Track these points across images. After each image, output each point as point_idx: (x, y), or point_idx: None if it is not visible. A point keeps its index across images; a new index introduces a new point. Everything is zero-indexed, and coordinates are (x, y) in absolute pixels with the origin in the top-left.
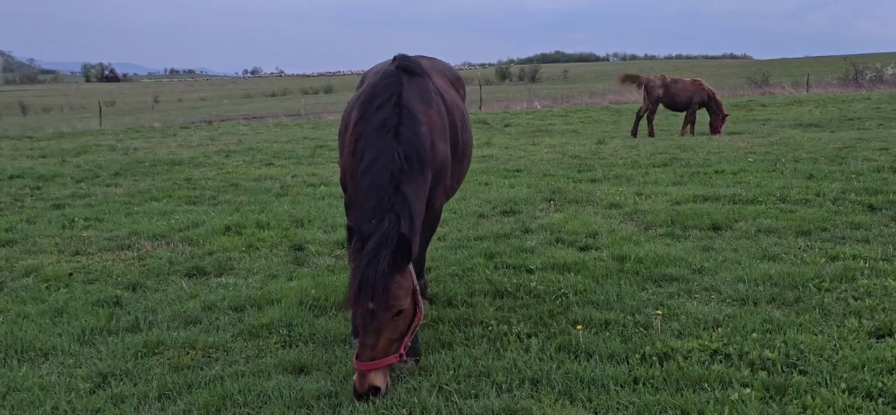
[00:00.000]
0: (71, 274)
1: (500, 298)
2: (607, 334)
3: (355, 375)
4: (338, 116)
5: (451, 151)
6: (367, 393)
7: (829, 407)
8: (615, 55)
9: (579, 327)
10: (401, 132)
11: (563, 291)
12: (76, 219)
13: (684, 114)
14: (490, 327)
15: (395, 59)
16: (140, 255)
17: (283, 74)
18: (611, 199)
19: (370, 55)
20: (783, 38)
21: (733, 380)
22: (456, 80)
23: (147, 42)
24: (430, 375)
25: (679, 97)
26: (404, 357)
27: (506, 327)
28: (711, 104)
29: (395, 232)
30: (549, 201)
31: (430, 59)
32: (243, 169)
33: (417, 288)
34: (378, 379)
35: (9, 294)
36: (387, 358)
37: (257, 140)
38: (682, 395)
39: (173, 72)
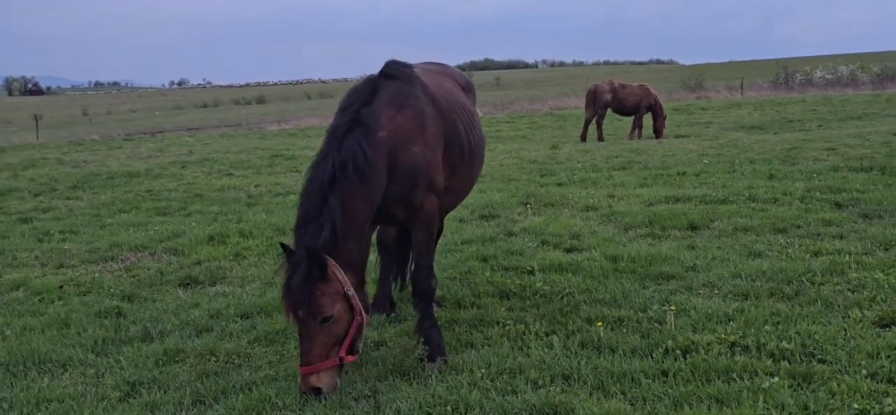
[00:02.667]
0: (61, 286)
1: (507, 298)
2: (624, 330)
3: (299, 378)
4: (282, 126)
5: (454, 154)
6: (310, 394)
7: (855, 392)
8: (544, 62)
9: (599, 323)
10: (345, 141)
11: (567, 290)
12: (51, 232)
13: (632, 118)
14: (507, 327)
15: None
16: (127, 266)
17: (210, 85)
18: (585, 201)
19: (297, 66)
20: (706, 44)
21: (758, 370)
22: (466, 86)
23: (69, 54)
24: (463, 373)
25: (627, 102)
26: (343, 360)
27: (522, 326)
28: (656, 108)
29: (316, 243)
30: (526, 205)
31: (440, 64)
32: (203, 179)
33: (350, 294)
34: (319, 381)
35: (3, 308)
36: (325, 362)
37: (208, 151)
38: (712, 385)
39: (98, 84)
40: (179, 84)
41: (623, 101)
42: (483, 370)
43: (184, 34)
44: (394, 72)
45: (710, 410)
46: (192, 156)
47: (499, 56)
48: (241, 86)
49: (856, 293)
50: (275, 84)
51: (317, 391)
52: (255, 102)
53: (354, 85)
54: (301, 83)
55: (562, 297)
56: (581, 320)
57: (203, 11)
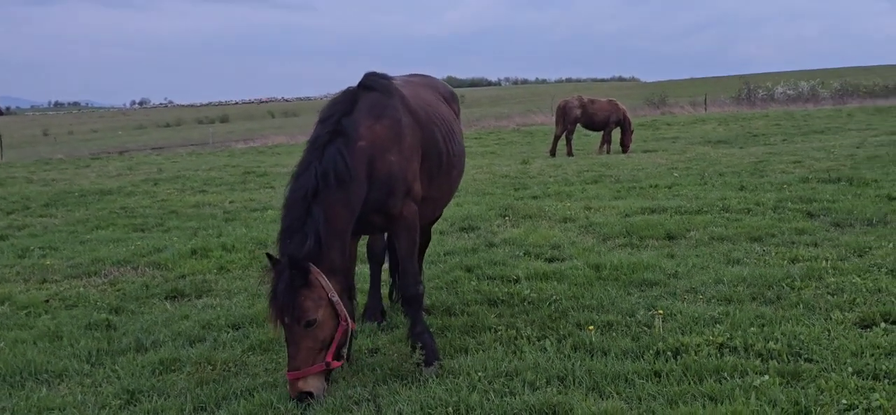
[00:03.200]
0: (47, 300)
1: (495, 306)
2: (614, 333)
3: (288, 384)
4: (249, 144)
5: (432, 163)
6: (300, 399)
7: (843, 388)
8: (507, 79)
9: (591, 327)
10: (326, 150)
11: (554, 297)
12: (31, 248)
13: (601, 133)
14: (499, 332)
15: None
16: (110, 281)
17: (171, 104)
18: (562, 213)
19: (259, 84)
20: (667, 61)
21: (748, 369)
22: (449, 96)
23: (28, 75)
24: (460, 376)
25: (597, 117)
26: (330, 365)
27: (514, 331)
28: (625, 123)
29: (300, 251)
30: (504, 217)
31: (424, 76)
32: (177, 196)
33: (335, 300)
34: (307, 385)
35: None
36: (312, 367)
37: (177, 169)
38: (704, 384)
39: (58, 104)
40: (141, 104)
41: (592, 116)
42: (480, 373)
43: (144, 54)
44: (372, 83)
45: (704, 407)
46: (162, 174)
47: (462, 74)
48: (204, 105)
49: (835, 296)
50: (237, 103)
51: (307, 395)
52: (219, 121)
53: (334, 97)
54: (264, 102)
55: (549, 303)
56: (571, 325)
57: (164, 31)
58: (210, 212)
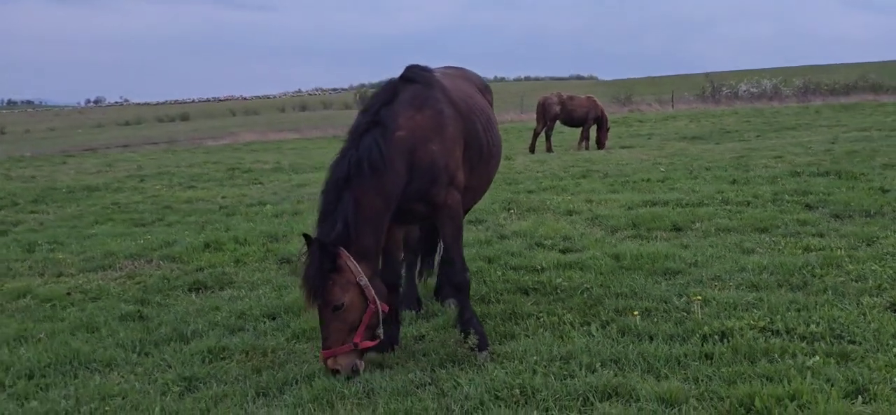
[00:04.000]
0: (68, 293)
1: (527, 294)
2: (655, 319)
3: (321, 359)
4: (220, 142)
5: (473, 153)
6: (331, 375)
7: (893, 367)
8: None
9: (635, 313)
10: (363, 140)
11: (585, 285)
12: (38, 243)
13: (579, 130)
14: (541, 319)
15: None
16: (127, 274)
17: (127, 103)
18: (565, 206)
19: (215, 83)
20: (622, 60)
21: (796, 351)
22: (484, 88)
23: None
24: (514, 361)
25: (576, 113)
26: (358, 346)
27: (555, 317)
28: (602, 120)
29: (330, 236)
30: (509, 210)
31: (459, 68)
32: (168, 192)
33: (364, 284)
34: (336, 364)
35: (16, 315)
36: (341, 347)
37: (158, 166)
38: (758, 365)
39: (11, 103)
40: (96, 102)
41: (571, 112)
42: (534, 358)
43: (97, 52)
44: (413, 76)
45: (763, 386)
46: (143, 171)
47: None
48: (161, 103)
49: (860, 283)
50: (196, 101)
51: (336, 373)
52: (179, 119)
53: (376, 89)
54: (222, 100)
55: (581, 292)
56: (610, 312)
57: (117, 29)
58: (205, 207)
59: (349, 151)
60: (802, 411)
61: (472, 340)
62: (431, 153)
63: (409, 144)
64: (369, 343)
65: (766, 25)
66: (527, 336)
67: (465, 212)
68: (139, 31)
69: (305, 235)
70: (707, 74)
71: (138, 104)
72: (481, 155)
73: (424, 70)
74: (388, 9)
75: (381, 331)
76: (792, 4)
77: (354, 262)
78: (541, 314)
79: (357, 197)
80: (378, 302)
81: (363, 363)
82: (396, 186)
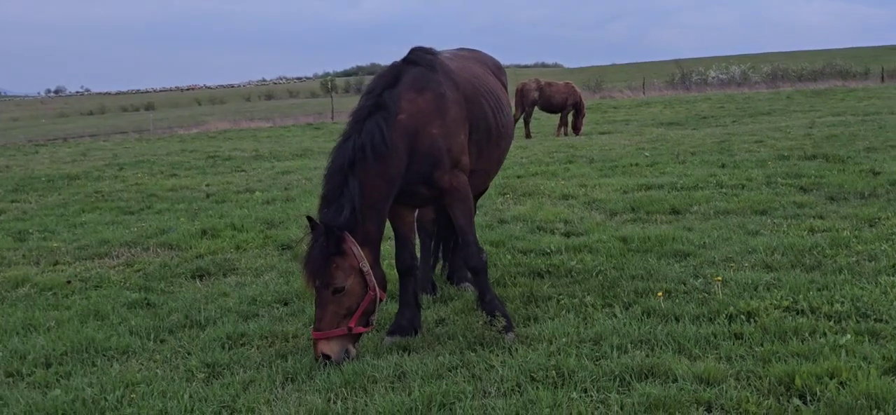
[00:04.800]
0: (69, 282)
1: (542, 277)
2: (677, 300)
3: (312, 342)
4: (191, 130)
5: (481, 135)
6: (320, 358)
7: None
8: None
9: (659, 294)
10: (366, 123)
11: (599, 268)
12: (29, 231)
13: (558, 116)
14: (561, 301)
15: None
16: (126, 261)
17: (89, 92)
18: (561, 191)
19: (178, 71)
20: (588, 47)
21: (825, 330)
22: (496, 69)
23: None
24: (543, 342)
25: (554, 99)
26: (352, 331)
27: (576, 299)
28: (579, 105)
29: (335, 220)
30: (504, 195)
31: (471, 50)
32: (150, 180)
33: (365, 270)
34: (328, 348)
35: (18, 304)
36: (334, 330)
37: (134, 155)
38: (789, 344)
39: None
40: (56, 92)
41: (550, 98)
42: (564, 339)
43: (57, 41)
44: (416, 58)
45: (800, 364)
46: (120, 159)
47: (385, 60)
48: (123, 93)
49: (874, 263)
50: (160, 91)
51: (326, 357)
52: (144, 109)
53: (380, 71)
54: (185, 90)
55: (597, 274)
56: (630, 293)
57: (76, 18)
58: (191, 195)
59: (352, 135)
60: (844, 389)
61: (500, 322)
62: (432, 137)
63: (411, 127)
64: (362, 329)
65: (730, 13)
66: (550, 319)
67: (477, 194)
68: (97, 19)
69: (309, 218)
70: (677, 61)
71: (100, 94)
72: (490, 137)
73: (429, 52)
74: None
75: (375, 318)
76: None
77: (358, 247)
78: (561, 297)
79: (362, 182)
80: (377, 290)
81: (356, 350)
82: (399, 170)
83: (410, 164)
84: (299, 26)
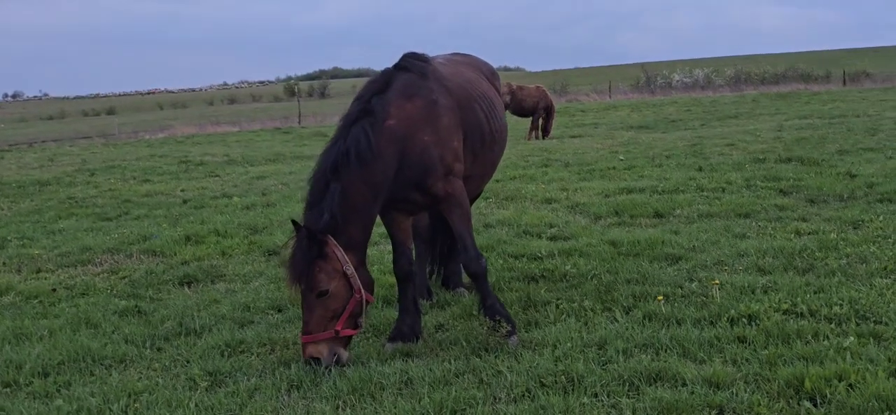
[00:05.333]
0: (54, 290)
1: (536, 282)
2: (676, 304)
3: (301, 346)
4: (157, 134)
5: (474, 140)
6: (309, 362)
7: None
8: None
9: (660, 298)
10: (352, 129)
11: (593, 272)
12: (7, 238)
13: (530, 119)
14: (560, 306)
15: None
16: (110, 268)
17: (47, 96)
18: (542, 195)
19: (137, 76)
20: (549, 51)
21: (827, 332)
22: (490, 74)
23: None
24: (547, 347)
25: (526, 103)
26: (339, 333)
27: (574, 304)
28: (550, 109)
29: (317, 224)
30: (487, 199)
31: (466, 55)
32: (122, 186)
33: (349, 272)
34: (317, 351)
35: (4, 312)
36: (322, 334)
37: (103, 160)
38: (793, 346)
39: None
40: (14, 96)
41: (521, 102)
42: (568, 343)
43: (13, 45)
44: (408, 64)
45: (807, 367)
46: (89, 164)
47: (347, 65)
48: (84, 97)
49: (865, 265)
50: (119, 95)
51: (315, 360)
52: (106, 113)
53: (371, 77)
54: (146, 94)
55: (591, 278)
56: (630, 297)
57: (32, 22)
58: (167, 200)
59: (339, 140)
60: (853, 391)
61: (503, 327)
62: (423, 143)
63: (400, 133)
64: (350, 331)
65: (692, 17)
66: (551, 323)
67: (471, 199)
68: (54, 23)
69: (293, 222)
70: (642, 65)
71: (59, 98)
72: (484, 142)
73: (420, 59)
74: (313, 1)
75: (363, 320)
76: None
77: (341, 250)
78: (559, 301)
79: (344, 187)
80: (363, 292)
81: (348, 353)
82: (385, 175)
83: (401, 170)
84: (260, 30)
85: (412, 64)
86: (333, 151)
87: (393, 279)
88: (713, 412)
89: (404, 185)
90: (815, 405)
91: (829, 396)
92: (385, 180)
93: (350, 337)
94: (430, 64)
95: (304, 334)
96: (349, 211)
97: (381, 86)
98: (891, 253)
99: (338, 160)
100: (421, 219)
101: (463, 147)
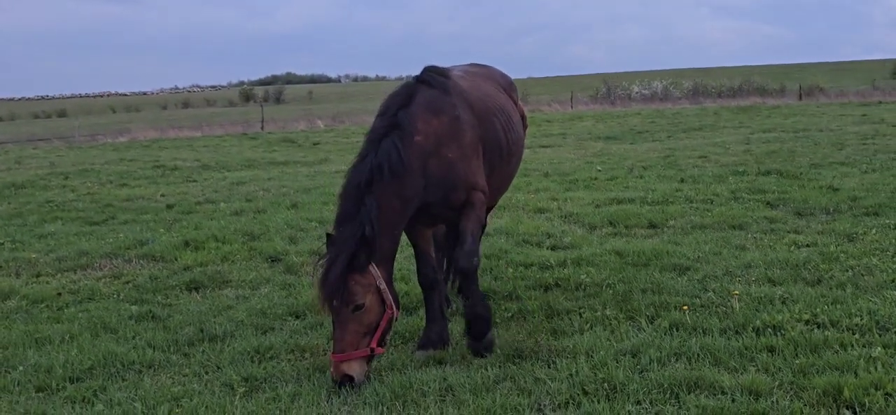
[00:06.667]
0: (59, 294)
1: (550, 290)
2: (698, 314)
3: (332, 365)
4: (117, 138)
5: (493, 154)
6: (342, 382)
7: None
8: (347, 76)
9: (685, 307)
10: (382, 143)
11: (607, 281)
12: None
13: None
14: (584, 315)
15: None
16: (111, 273)
17: None
18: (534, 204)
19: (86, 79)
20: (503, 61)
21: (852, 342)
22: (508, 86)
23: None
24: (582, 356)
25: None
26: (374, 351)
27: (598, 313)
28: (523, 119)
29: (353, 238)
30: None
31: (483, 67)
32: (100, 190)
33: (382, 287)
34: (351, 369)
35: (13, 317)
36: (357, 351)
37: (72, 163)
38: (822, 356)
39: None
40: None
41: None
42: (603, 352)
43: None
44: (430, 79)
45: (842, 376)
46: (58, 168)
47: (301, 71)
48: (32, 99)
49: (871, 276)
50: (70, 96)
51: (349, 379)
52: (57, 116)
53: (393, 91)
54: (98, 96)
55: (608, 287)
56: (651, 307)
57: None
58: (150, 205)
59: (369, 154)
60: (891, 399)
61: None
62: (448, 160)
63: (427, 149)
64: (380, 350)
65: (641, 29)
66: (578, 332)
67: (488, 209)
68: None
69: (329, 235)
70: (603, 76)
71: (6, 100)
72: (502, 155)
73: (441, 72)
74: (264, 6)
75: (389, 337)
76: (660, 10)
77: (375, 266)
78: (581, 310)
79: (379, 202)
80: (394, 307)
81: (368, 371)
82: (415, 190)
83: (426, 186)
84: (213, 35)
85: (435, 79)
86: (366, 166)
87: (405, 286)
88: None
89: (431, 199)
90: (854, 413)
91: (867, 404)
92: (415, 195)
93: (373, 357)
94: (451, 79)
95: (336, 352)
96: (383, 225)
97: (404, 99)
98: (894, 266)
99: (372, 174)
100: (439, 228)
101: (482, 161)
